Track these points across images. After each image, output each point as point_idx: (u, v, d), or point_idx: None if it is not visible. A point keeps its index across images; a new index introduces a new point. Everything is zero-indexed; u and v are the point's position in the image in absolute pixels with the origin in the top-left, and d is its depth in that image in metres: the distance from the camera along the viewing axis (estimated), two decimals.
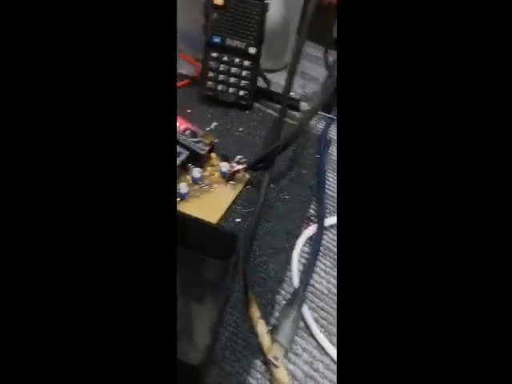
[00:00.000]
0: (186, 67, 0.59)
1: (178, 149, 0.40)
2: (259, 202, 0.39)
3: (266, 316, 0.32)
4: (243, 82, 0.50)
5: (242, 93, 0.51)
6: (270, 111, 0.53)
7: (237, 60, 0.50)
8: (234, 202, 0.41)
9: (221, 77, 0.51)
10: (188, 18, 0.57)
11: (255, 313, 0.32)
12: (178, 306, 0.30)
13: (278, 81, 0.57)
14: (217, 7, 0.48)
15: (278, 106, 0.53)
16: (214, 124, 0.49)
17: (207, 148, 0.41)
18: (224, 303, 0.31)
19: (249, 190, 0.42)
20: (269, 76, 0.57)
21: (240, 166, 0.41)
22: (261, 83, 0.54)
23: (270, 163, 0.41)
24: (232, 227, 0.39)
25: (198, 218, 0.34)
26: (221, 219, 0.39)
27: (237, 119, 0.50)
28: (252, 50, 0.49)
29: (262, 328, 0.31)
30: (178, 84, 0.55)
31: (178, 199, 0.39)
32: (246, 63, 0.50)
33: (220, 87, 0.51)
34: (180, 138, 0.41)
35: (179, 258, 0.31)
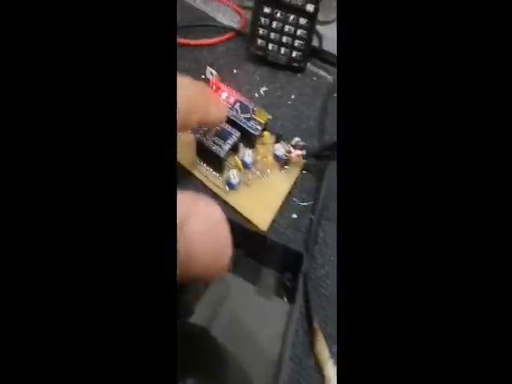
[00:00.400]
0: (229, 16, 0.53)
1: (228, 128, 0.36)
2: (320, 195, 0.35)
3: (333, 349, 0.28)
4: (297, 42, 0.45)
5: (294, 54, 0.45)
6: (323, 73, 0.48)
7: (291, 17, 0.44)
8: (289, 192, 0.36)
9: (272, 35, 0.45)
10: None
11: (323, 351, 0.28)
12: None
13: (331, 35, 0.51)
14: None
15: (334, 69, 0.48)
16: (263, 89, 0.44)
17: (261, 128, 0.36)
18: (285, 336, 0.28)
19: (305, 176, 0.38)
20: (320, 30, 0.51)
21: (298, 152, 0.36)
22: (314, 42, 0.48)
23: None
24: (288, 224, 0.35)
25: (253, 228, 0.31)
26: (276, 214, 0.35)
27: (288, 84, 0.45)
28: (310, 8, 0.43)
29: (330, 372, 0.27)
30: (222, 37, 0.49)
31: (227, 189, 0.35)
32: (302, 21, 0.44)
33: (271, 46, 0.46)
34: (230, 113, 0.36)
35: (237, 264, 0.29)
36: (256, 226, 0.33)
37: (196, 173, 0.36)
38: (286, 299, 0.30)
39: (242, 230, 0.29)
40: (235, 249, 0.19)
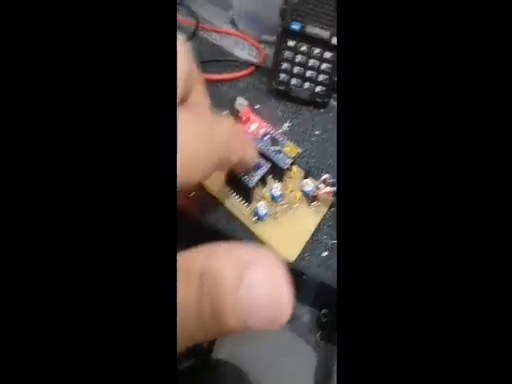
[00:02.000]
0: (247, 51, 0.52)
1: (259, 160, 0.34)
2: None
3: None
4: (321, 77, 0.44)
5: (318, 89, 0.44)
6: None
7: (317, 51, 0.43)
8: (317, 229, 0.35)
9: (296, 69, 0.44)
10: None
11: None
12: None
13: None
14: None
15: None
16: (287, 125, 0.43)
17: (290, 161, 0.35)
18: None
19: (335, 213, 0.36)
20: None
21: (328, 189, 0.34)
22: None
23: None
24: (318, 263, 0.33)
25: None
26: (304, 249, 0.33)
27: (311, 119, 0.44)
28: (336, 41, 0.42)
29: None
30: (243, 72, 0.48)
31: (254, 219, 0.33)
32: (327, 55, 0.43)
33: (294, 81, 0.44)
34: (260, 145, 0.35)
35: None
36: (283, 258, 0.31)
37: (223, 200, 0.35)
38: (319, 336, 0.29)
39: None
40: None
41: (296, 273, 0.28)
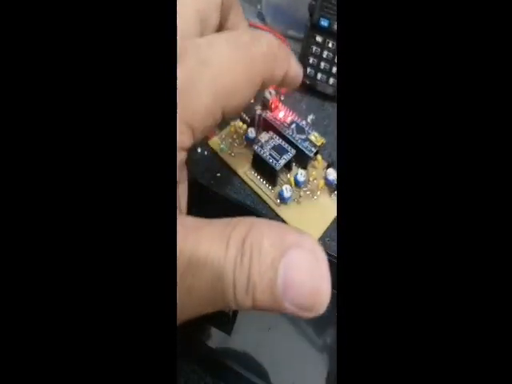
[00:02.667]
0: None
1: (285, 145, 0.35)
2: None
3: None
4: None
5: None
6: None
7: None
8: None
9: (322, 64, 0.45)
10: None
11: None
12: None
13: None
14: None
15: None
16: (311, 117, 0.44)
17: (315, 150, 0.36)
18: None
19: None
20: None
21: None
22: None
23: None
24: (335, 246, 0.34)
25: None
26: (323, 234, 0.34)
27: (334, 115, 0.45)
28: None
29: None
30: None
31: (278, 201, 0.34)
32: None
33: (320, 76, 0.45)
34: (286, 132, 0.36)
35: None
36: None
37: (249, 182, 0.36)
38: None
39: None
40: None
41: None
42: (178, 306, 0.16)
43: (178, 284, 0.16)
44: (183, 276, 0.16)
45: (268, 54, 0.22)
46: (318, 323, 0.28)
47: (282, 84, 0.25)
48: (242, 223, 0.17)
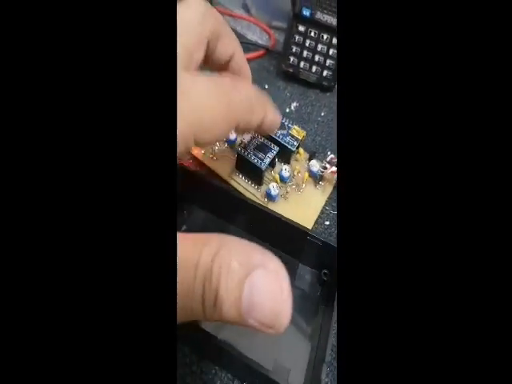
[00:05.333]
0: (259, 35, 0.52)
1: (268, 143, 0.34)
2: None
3: None
4: (329, 62, 0.43)
5: (325, 73, 0.44)
6: None
7: (325, 36, 0.42)
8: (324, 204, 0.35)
9: (305, 53, 0.44)
10: None
11: None
12: None
13: None
14: None
15: None
16: (294, 105, 0.43)
17: (297, 143, 0.35)
18: (326, 329, 0.26)
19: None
20: None
21: (333, 168, 0.35)
22: None
23: None
24: (321, 231, 0.34)
25: (297, 224, 0.30)
26: (314, 224, 0.34)
27: (317, 101, 0.44)
28: None
29: None
30: (252, 54, 0.48)
31: (265, 200, 0.34)
32: (335, 41, 0.42)
33: (302, 64, 0.44)
34: None
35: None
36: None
37: (234, 184, 0.35)
38: (320, 294, 0.30)
39: (283, 224, 0.30)
40: None
41: (301, 232, 0.29)
42: None
43: None
44: None
45: (245, 102, 0.23)
46: (304, 324, 0.28)
47: (258, 130, 0.26)
48: (213, 241, 0.17)
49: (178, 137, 0.19)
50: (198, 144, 0.21)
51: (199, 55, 0.24)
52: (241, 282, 0.16)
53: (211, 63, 0.27)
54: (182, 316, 0.17)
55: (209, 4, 0.24)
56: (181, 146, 0.20)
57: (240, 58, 0.28)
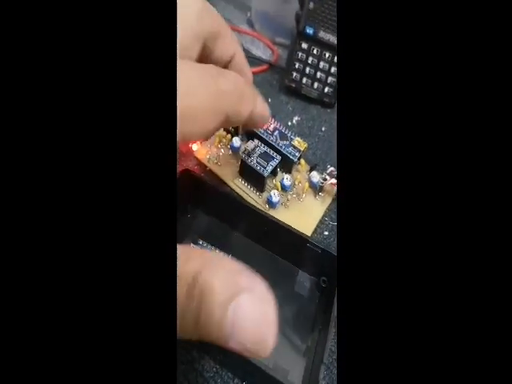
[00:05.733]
0: (262, 50, 0.53)
1: (270, 152, 0.35)
2: None
3: None
4: (330, 79, 0.45)
5: (326, 89, 0.45)
6: None
7: (327, 55, 0.44)
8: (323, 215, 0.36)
9: (307, 70, 0.45)
10: None
11: None
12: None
13: None
14: None
15: None
16: (296, 119, 0.44)
17: (299, 154, 0.36)
18: (325, 334, 0.27)
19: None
20: None
21: (333, 180, 0.35)
22: None
23: None
24: (320, 240, 0.35)
25: (296, 230, 0.30)
26: (312, 234, 0.35)
27: (318, 117, 0.45)
28: None
29: None
30: (256, 69, 0.49)
31: (267, 206, 0.35)
32: (336, 59, 0.44)
33: (305, 80, 0.45)
34: (270, 139, 0.36)
35: (272, 267, 0.32)
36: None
37: (237, 189, 0.36)
38: (318, 300, 0.31)
39: (284, 231, 0.30)
40: None
41: (301, 239, 0.29)
42: None
43: None
44: None
45: (234, 91, 0.22)
46: (303, 328, 0.29)
47: (247, 123, 0.25)
48: (195, 259, 0.16)
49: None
50: (184, 138, 0.19)
51: (193, 53, 0.23)
52: (225, 305, 0.15)
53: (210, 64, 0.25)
54: None
55: (207, 3, 0.24)
56: None
57: (240, 59, 0.27)
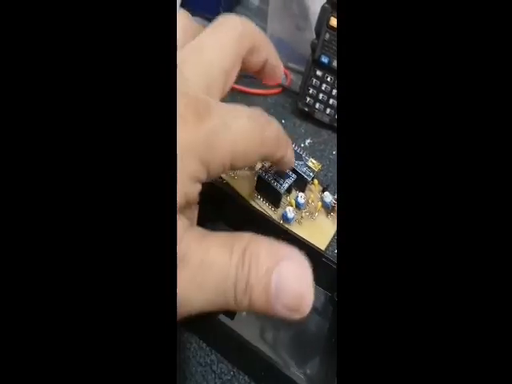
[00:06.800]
0: None
1: (287, 170, 0.36)
2: None
3: None
4: None
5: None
6: None
7: None
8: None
9: (321, 96, 0.47)
10: (282, 25, 0.54)
11: None
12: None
13: None
14: (331, 28, 0.44)
15: None
16: (308, 141, 0.46)
17: (313, 174, 0.37)
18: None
19: None
20: None
21: None
22: None
23: None
24: (332, 257, 0.35)
25: (311, 244, 0.32)
26: (325, 249, 0.36)
27: (330, 141, 0.47)
28: None
29: None
30: (273, 91, 0.51)
31: (281, 222, 0.36)
32: None
33: (318, 105, 0.47)
34: None
35: None
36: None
37: (253, 203, 0.37)
38: (332, 314, 0.32)
39: (300, 244, 0.31)
40: None
41: (316, 253, 0.31)
42: (188, 300, 0.18)
43: (190, 280, 0.18)
44: (195, 274, 0.18)
45: (275, 139, 0.25)
46: (300, 355, 0.30)
47: (276, 164, 0.30)
48: (243, 236, 0.19)
49: (219, 160, 0.21)
50: (232, 168, 0.23)
51: (234, 73, 0.25)
52: (269, 271, 0.18)
53: (244, 70, 0.28)
54: (215, 303, 0.18)
55: (246, 20, 0.26)
56: (219, 168, 0.22)
57: (274, 61, 0.30)
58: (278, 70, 0.31)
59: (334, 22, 0.43)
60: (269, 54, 0.29)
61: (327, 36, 0.44)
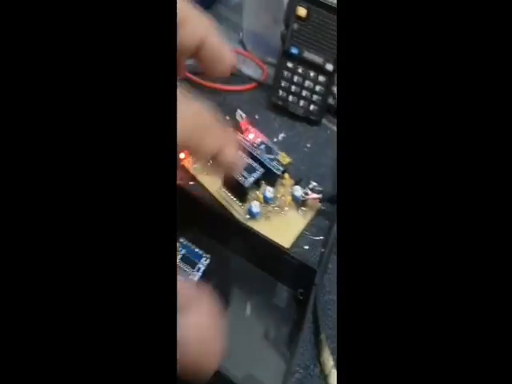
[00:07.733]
0: (252, 69, 0.53)
1: (253, 164, 0.35)
2: (332, 232, 0.35)
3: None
4: (315, 97, 0.45)
5: (312, 107, 0.45)
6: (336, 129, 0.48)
7: (312, 74, 0.44)
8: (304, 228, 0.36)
9: (293, 88, 0.45)
10: (258, 19, 0.52)
11: (328, 360, 0.27)
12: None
13: None
14: (299, 18, 0.42)
15: None
16: (282, 135, 0.44)
17: (282, 168, 0.36)
18: (295, 345, 0.27)
19: (319, 218, 0.37)
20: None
21: (315, 195, 0.36)
22: (330, 100, 0.48)
23: None
24: (300, 253, 0.34)
25: (274, 242, 0.31)
26: (291, 246, 0.34)
27: (304, 134, 0.45)
28: (329, 67, 0.43)
29: (334, 381, 0.26)
30: (247, 86, 0.49)
31: (247, 217, 0.35)
32: (321, 78, 0.44)
33: (291, 98, 0.46)
34: (255, 151, 0.36)
35: (252, 278, 0.32)
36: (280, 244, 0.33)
37: (220, 198, 0.36)
38: (295, 312, 0.31)
39: (262, 242, 0.31)
40: None
41: (279, 252, 0.30)
42: None
43: None
44: None
45: (190, 121, 0.19)
46: (280, 340, 0.29)
47: (215, 162, 0.22)
48: None
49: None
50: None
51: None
52: None
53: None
54: None
55: None
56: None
57: (213, 43, 0.24)
58: (222, 56, 0.24)
59: (301, 11, 0.42)
60: (206, 35, 0.23)
61: (295, 26, 0.43)
